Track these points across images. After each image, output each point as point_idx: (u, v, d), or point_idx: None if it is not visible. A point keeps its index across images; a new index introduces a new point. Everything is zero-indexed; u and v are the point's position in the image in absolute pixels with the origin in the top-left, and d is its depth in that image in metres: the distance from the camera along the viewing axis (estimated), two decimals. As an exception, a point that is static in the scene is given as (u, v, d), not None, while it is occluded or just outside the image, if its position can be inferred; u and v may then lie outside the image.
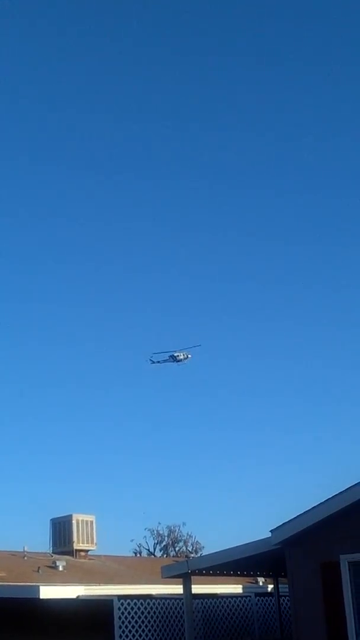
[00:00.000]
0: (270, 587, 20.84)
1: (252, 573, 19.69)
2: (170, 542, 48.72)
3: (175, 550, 47.82)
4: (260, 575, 21.39)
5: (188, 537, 48.64)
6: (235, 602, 18.89)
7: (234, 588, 20.23)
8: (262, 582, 22.72)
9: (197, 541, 48.32)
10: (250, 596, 19.35)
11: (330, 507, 13.38)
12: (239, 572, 18.40)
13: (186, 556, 38.46)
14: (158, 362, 42.27)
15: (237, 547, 15.38)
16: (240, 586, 20.63)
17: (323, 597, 13.58)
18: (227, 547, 15.82)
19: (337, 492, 13.41)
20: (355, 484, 13.19)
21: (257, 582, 22.84)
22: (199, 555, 41.67)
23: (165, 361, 42.20)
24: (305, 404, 56.12)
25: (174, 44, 46.39)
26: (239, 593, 19.84)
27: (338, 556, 13.39)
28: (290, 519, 13.90)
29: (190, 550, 47.39)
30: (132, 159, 51.72)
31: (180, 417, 59.30)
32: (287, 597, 15.90)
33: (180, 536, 48.75)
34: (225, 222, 54.18)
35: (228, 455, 58.11)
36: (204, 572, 16.81)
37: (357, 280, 51.31)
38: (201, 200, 54.04)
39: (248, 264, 54.03)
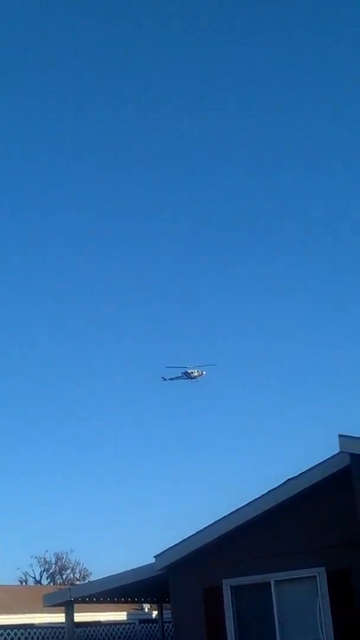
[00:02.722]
0: (155, 613, 20.74)
1: (136, 600, 19.54)
2: (57, 570, 47.82)
3: (62, 577, 46.95)
4: (145, 602, 21.26)
5: (76, 564, 47.88)
6: (118, 629, 18.72)
7: (118, 615, 20.01)
8: (148, 609, 22.58)
9: (84, 568, 47.62)
10: (134, 623, 19.22)
11: (212, 533, 13.51)
12: (123, 599, 18.24)
13: (71, 583, 37.77)
14: (170, 379, 40.17)
15: (121, 573, 15.26)
16: (125, 613, 20.44)
17: (205, 621, 13.63)
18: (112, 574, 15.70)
19: (218, 519, 13.55)
20: (235, 511, 13.39)
21: (142, 608, 22.69)
22: (86, 582, 41.04)
23: (178, 378, 40.18)
24: (195, 434, 56.64)
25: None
26: (122, 620, 19.66)
27: (221, 581, 13.49)
28: (173, 544, 13.93)
29: (77, 577, 46.65)
30: (139, 174, 50.82)
31: (63, 440, 58.60)
32: (171, 623, 15.86)
33: (67, 563, 47.94)
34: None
35: (118, 479, 57.80)
36: (87, 599, 16.57)
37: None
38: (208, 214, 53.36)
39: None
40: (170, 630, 16.67)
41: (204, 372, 40.34)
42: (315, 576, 12.74)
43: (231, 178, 49.49)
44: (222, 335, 54.69)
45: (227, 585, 13.45)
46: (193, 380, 40.36)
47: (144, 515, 55.28)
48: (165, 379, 40.52)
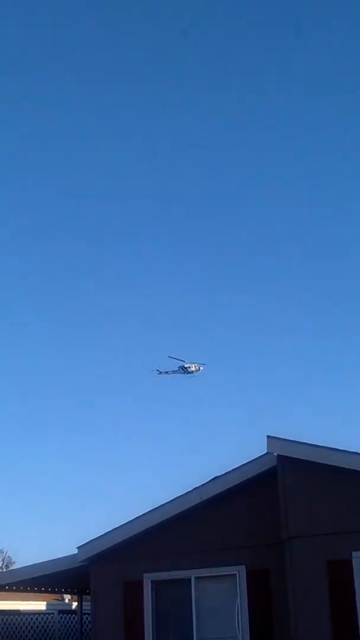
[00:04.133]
0: (75, 604, 20.66)
1: (57, 590, 19.46)
2: (-19, 557, 47.31)
3: (-15, 565, 46.46)
4: (66, 593, 21.19)
5: (0, 552, 47.42)
6: (37, 619, 18.60)
7: (38, 605, 19.87)
8: (68, 600, 22.51)
9: (8, 556, 47.20)
10: (53, 613, 19.12)
11: (135, 527, 13.52)
12: (43, 589, 18.13)
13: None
14: (166, 372, 38.79)
15: (42, 563, 15.17)
16: (45, 603, 20.31)
17: (124, 614, 13.64)
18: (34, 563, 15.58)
19: (142, 513, 13.57)
20: (159, 506, 13.43)
21: (63, 599, 22.60)
22: (6, 570, 40.62)
23: (174, 372, 38.80)
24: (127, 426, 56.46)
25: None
26: (42, 610, 19.54)
27: (142, 575, 13.52)
28: (97, 536, 13.90)
29: (0, 565, 46.22)
30: (133, 179, 49.97)
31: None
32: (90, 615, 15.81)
33: (-9, 551, 47.45)
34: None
35: (48, 466, 57.42)
36: (7, 587, 16.42)
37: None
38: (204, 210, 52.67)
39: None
40: (90, 621, 16.63)
41: (202, 367, 39.17)
42: (235, 574, 12.85)
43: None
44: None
45: (147, 579, 13.48)
46: (189, 375, 39.20)
47: (74, 505, 55.06)
48: (160, 372, 39.28)
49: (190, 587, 13.10)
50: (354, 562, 11.51)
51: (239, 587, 12.79)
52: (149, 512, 13.52)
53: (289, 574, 11.96)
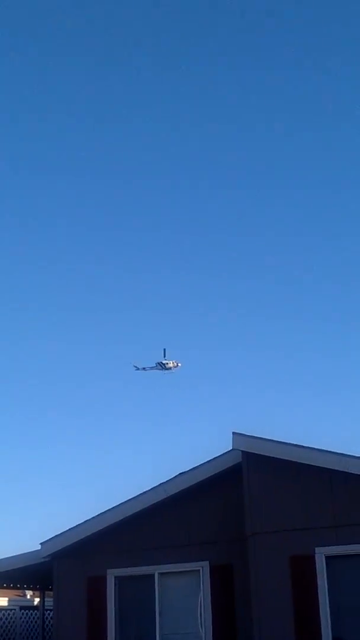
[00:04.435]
0: (37, 600, 20.56)
1: (19, 586, 19.34)
2: None
3: None
4: (28, 589, 21.06)
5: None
6: (-3, 615, 18.51)
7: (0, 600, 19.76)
8: (30, 596, 22.36)
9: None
10: (14, 609, 19.01)
11: (100, 522, 13.49)
12: (5, 585, 18.01)
13: None
14: (143, 369, 38.61)
15: (4, 559, 15.07)
16: (7, 599, 20.18)
17: (87, 611, 13.62)
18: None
19: (107, 508, 13.55)
20: (124, 502, 13.42)
21: (25, 595, 22.44)
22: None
23: (151, 368, 38.64)
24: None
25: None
26: (3, 606, 19.41)
27: (105, 570, 13.50)
28: (61, 532, 13.84)
29: None
30: (131, 162, 49.10)
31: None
32: (52, 611, 15.74)
33: None
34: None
35: (18, 460, 56.82)
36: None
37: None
38: (194, 197, 51.86)
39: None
40: (52, 617, 16.56)
41: (179, 364, 39.19)
42: (199, 570, 12.89)
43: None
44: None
45: (111, 575, 13.47)
46: (167, 371, 39.23)
47: (41, 499, 54.54)
48: (137, 368, 39.15)
49: (154, 583, 13.12)
50: (317, 557, 11.62)
51: (203, 583, 12.84)
52: (112, 508, 13.50)
53: (252, 570, 12.03)
